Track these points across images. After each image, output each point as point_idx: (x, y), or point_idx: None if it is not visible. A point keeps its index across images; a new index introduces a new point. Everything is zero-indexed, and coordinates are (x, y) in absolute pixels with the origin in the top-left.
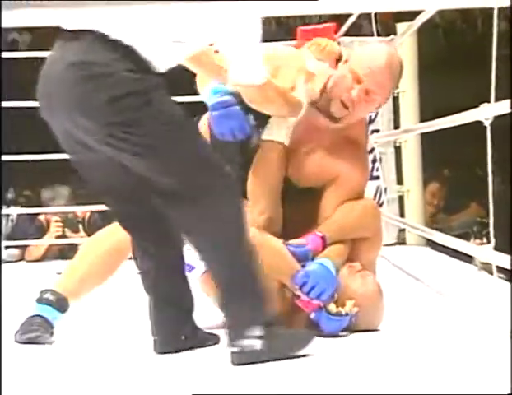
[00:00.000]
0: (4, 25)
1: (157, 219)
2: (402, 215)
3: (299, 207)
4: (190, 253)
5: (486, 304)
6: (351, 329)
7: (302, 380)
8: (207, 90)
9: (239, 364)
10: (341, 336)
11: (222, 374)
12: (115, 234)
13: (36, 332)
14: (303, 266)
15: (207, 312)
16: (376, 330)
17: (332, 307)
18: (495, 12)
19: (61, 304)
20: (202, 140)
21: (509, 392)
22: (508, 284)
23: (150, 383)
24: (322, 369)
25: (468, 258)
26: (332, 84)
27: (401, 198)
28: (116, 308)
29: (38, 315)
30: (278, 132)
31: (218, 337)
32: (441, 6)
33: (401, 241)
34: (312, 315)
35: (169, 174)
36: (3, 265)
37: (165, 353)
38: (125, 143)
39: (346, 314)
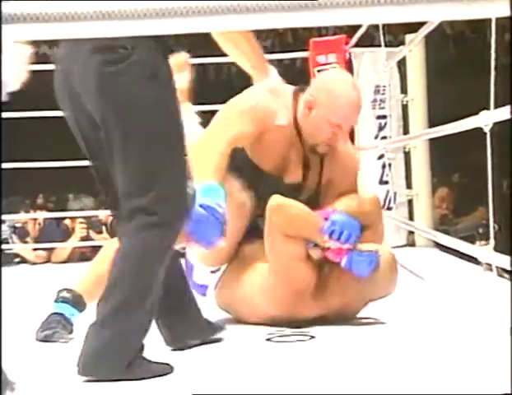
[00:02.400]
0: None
1: None
2: (411, 218)
3: None
4: (203, 274)
5: (487, 303)
6: (368, 298)
7: (305, 378)
8: (201, 184)
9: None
10: (347, 324)
11: (222, 376)
12: None
13: (54, 329)
14: (325, 218)
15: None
16: (383, 323)
17: (361, 246)
18: (494, 22)
19: (77, 301)
20: (183, 159)
21: (509, 392)
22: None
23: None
24: (325, 368)
25: (475, 259)
26: (313, 133)
27: (410, 202)
28: None
29: (55, 313)
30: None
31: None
32: (440, 18)
33: (410, 243)
34: (343, 262)
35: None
36: (32, 267)
37: (177, 349)
38: (124, 129)
39: (376, 252)
